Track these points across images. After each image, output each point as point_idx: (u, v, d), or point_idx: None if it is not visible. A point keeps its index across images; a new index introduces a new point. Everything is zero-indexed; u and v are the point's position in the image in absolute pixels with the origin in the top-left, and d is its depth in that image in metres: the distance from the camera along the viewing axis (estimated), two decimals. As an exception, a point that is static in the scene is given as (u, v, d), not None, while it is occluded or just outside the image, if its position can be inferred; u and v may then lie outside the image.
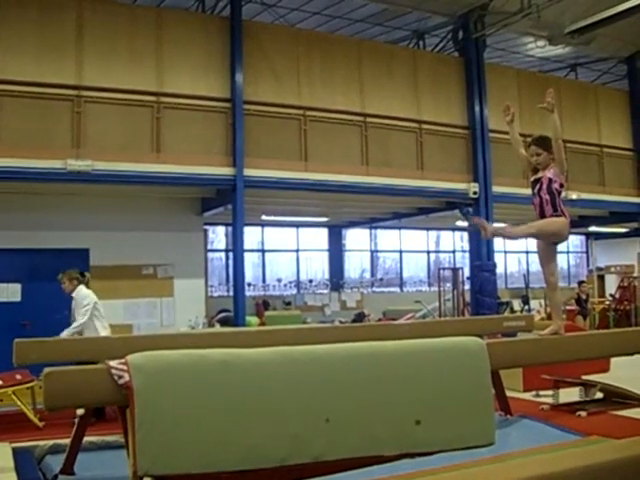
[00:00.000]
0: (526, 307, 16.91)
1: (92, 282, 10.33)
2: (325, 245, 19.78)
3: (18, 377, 7.76)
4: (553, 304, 5.47)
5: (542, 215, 5.03)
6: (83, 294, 8.00)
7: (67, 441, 5.08)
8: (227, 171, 11.41)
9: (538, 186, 5.05)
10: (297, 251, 19.30)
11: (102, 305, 8.15)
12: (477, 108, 13.96)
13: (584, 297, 15.93)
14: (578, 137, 15.21)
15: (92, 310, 7.88)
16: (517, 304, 17.95)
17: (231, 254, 15.28)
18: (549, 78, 16.03)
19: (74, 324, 7.86)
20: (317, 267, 19.67)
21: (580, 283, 16.78)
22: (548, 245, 5.16)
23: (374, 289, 20.01)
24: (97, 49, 10.79)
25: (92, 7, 10.90)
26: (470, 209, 13.97)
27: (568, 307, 15.48)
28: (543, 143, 5.04)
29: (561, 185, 5.00)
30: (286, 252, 19.22)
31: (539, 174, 5.06)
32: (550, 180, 4.97)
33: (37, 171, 10.01)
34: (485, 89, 14.10)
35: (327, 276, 19.54)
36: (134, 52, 11.08)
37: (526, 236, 5.40)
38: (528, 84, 14.85)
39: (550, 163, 5.00)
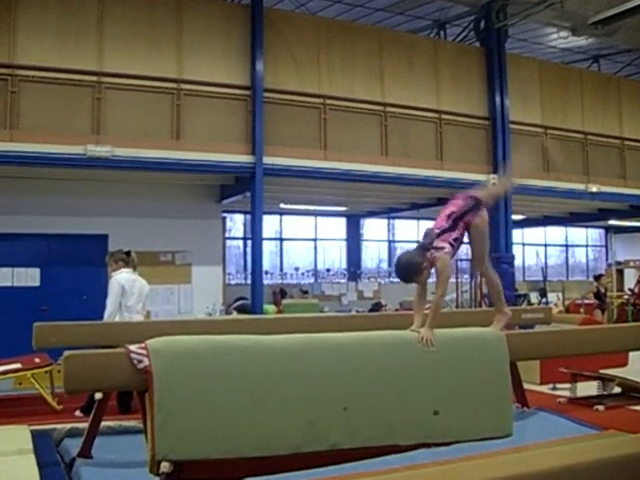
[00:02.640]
0: (544, 300, 16.83)
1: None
2: (343, 234, 19.76)
3: (37, 360, 7.81)
4: (494, 290, 5.01)
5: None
6: (111, 280, 7.37)
7: (85, 425, 5.11)
8: (246, 159, 11.40)
9: (458, 251, 4.80)
10: (315, 240, 19.31)
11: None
12: (498, 99, 13.83)
13: (603, 291, 15.82)
14: (599, 129, 15.08)
15: (119, 299, 7.19)
16: (535, 297, 17.89)
17: (249, 242, 15.29)
18: (571, 69, 15.85)
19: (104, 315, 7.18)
20: (335, 256, 19.68)
21: (598, 277, 16.66)
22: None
23: (391, 279, 19.97)
24: (118, 36, 10.79)
25: (113, -7, 10.93)
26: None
27: (587, 301, 15.41)
28: (407, 274, 4.56)
29: (455, 240, 4.68)
30: (304, 241, 19.24)
31: (437, 261, 4.56)
32: (446, 253, 4.58)
33: (57, 157, 10.06)
34: (506, 80, 13.97)
35: (344, 265, 19.55)
36: (154, 39, 11.07)
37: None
38: (550, 75, 14.69)
39: (435, 263, 4.53)
